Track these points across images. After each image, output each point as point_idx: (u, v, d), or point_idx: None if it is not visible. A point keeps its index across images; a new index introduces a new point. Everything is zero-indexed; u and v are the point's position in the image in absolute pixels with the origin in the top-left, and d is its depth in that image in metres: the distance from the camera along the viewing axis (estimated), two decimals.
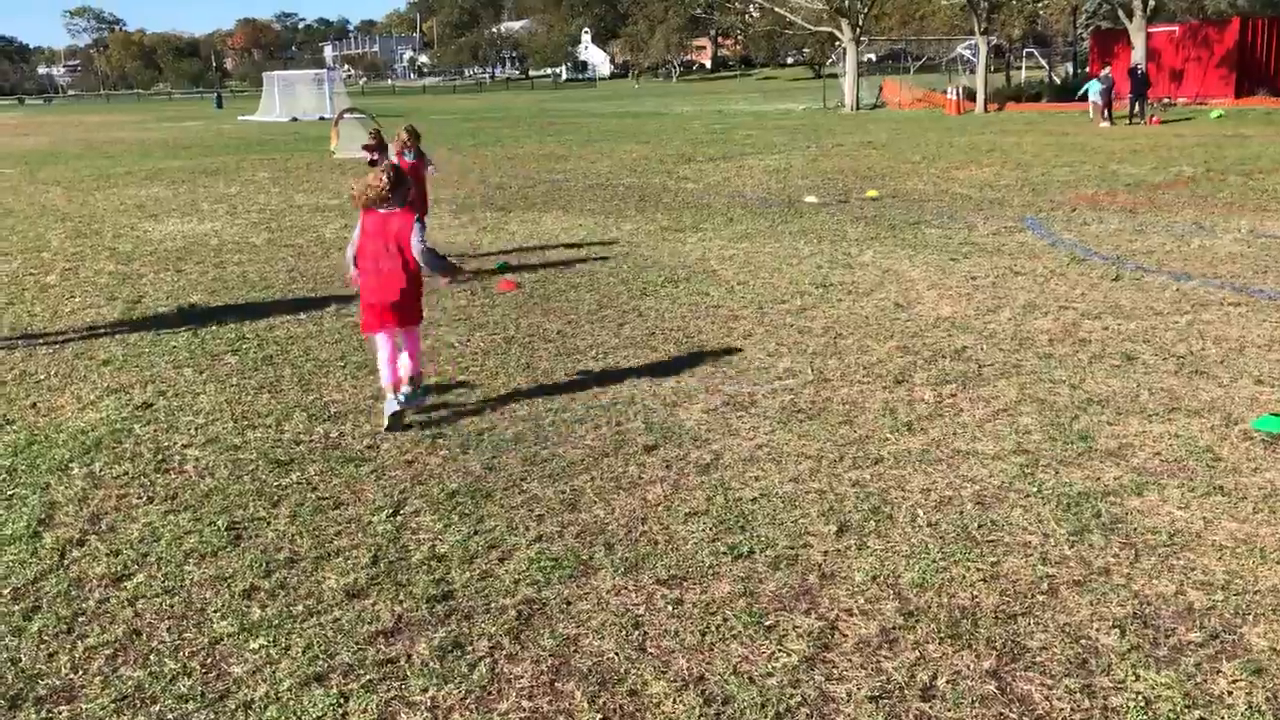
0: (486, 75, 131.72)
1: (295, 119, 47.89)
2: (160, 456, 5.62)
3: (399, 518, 4.74)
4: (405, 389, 6.00)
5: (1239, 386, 6.22)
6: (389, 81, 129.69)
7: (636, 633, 3.72)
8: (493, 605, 3.94)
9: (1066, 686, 3.33)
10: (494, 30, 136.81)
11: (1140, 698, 3.26)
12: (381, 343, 5.92)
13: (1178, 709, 3.20)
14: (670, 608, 3.88)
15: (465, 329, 8.21)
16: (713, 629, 3.73)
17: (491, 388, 6.66)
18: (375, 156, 10.66)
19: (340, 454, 5.57)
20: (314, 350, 7.69)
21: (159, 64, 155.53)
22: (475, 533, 4.57)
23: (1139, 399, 6.05)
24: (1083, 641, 3.59)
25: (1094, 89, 31.37)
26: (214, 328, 8.46)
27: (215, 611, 3.95)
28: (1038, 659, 3.49)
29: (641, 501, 4.86)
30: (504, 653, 3.63)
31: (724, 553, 4.31)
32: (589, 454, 5.47)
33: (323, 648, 3.68)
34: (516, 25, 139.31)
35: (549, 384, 6.71)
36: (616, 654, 3.59)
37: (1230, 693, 3.28)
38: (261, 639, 3.74)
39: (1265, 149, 21.19)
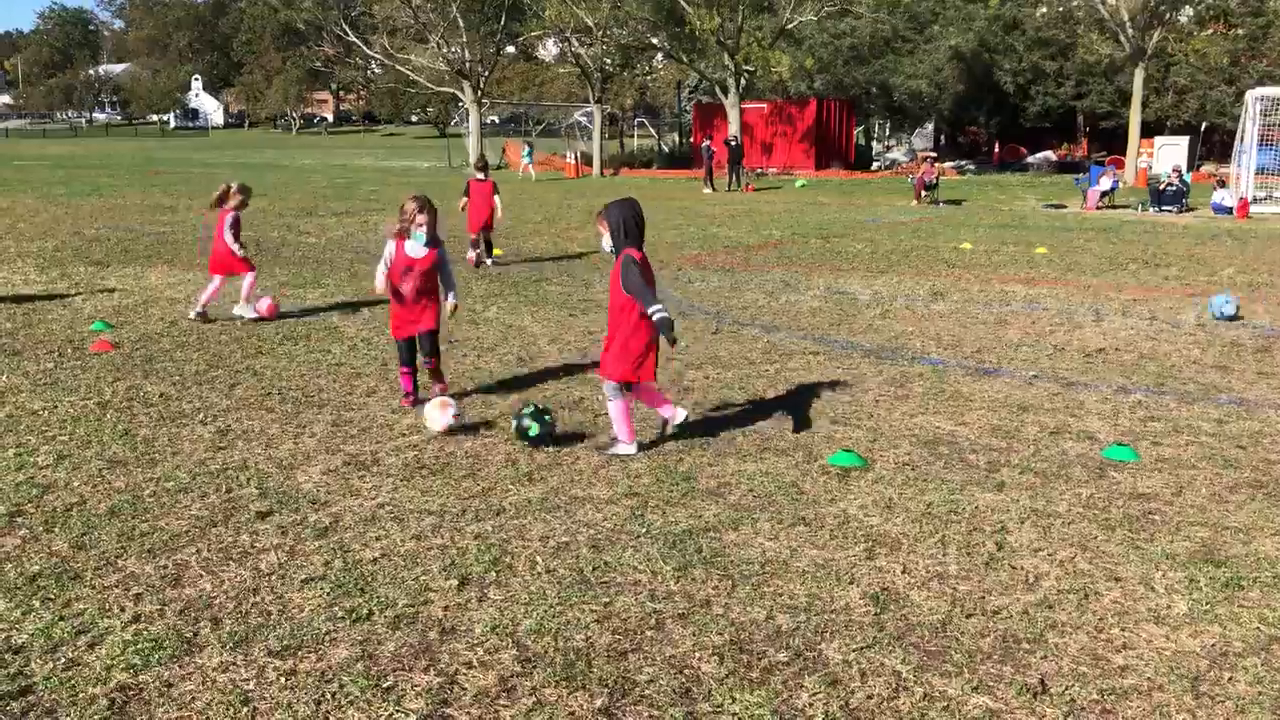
0: (83, 120, 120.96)
1: None
2: None
3: None
4: None
5: (818, 427, 6.94)
6: None
7: (246, 709, 3.53)
8: (80, 696, 3.59)
9: (671, 715, 3.54)
10: (92, 72, 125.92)
11: (736, 718, 3.53)
12: None
13: None
14: (283, 679, 3.72)
15: (52, 394, 7.46)
16: (328, 696, 3.61)
17: (82, 458, 6.09)
18: None
19: None
20: None
21: None
22: (60, 619, 4.14)
23: (735, 441, 6.59)
24: (686, 671, 3.83)
25: (526, 155, 39.38)
26: None
27: None
28: (646, 692, 3.68)
29: (253, 571, 4.63)
30: None
31: (341, 617, 4.20)
32: (195, 525, 5.14)
33: None
34: (118, 68, 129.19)
35: (150, 452, 6.24)
36: None
37: (811, 704, 3.63)
38: None
39: (839, 215, 23.90)
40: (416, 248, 7.05)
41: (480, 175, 14.79)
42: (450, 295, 7.23)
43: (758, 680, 3.78)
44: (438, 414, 6.62)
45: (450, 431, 6.54)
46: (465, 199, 14.68)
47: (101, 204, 24.01)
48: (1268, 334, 10.28)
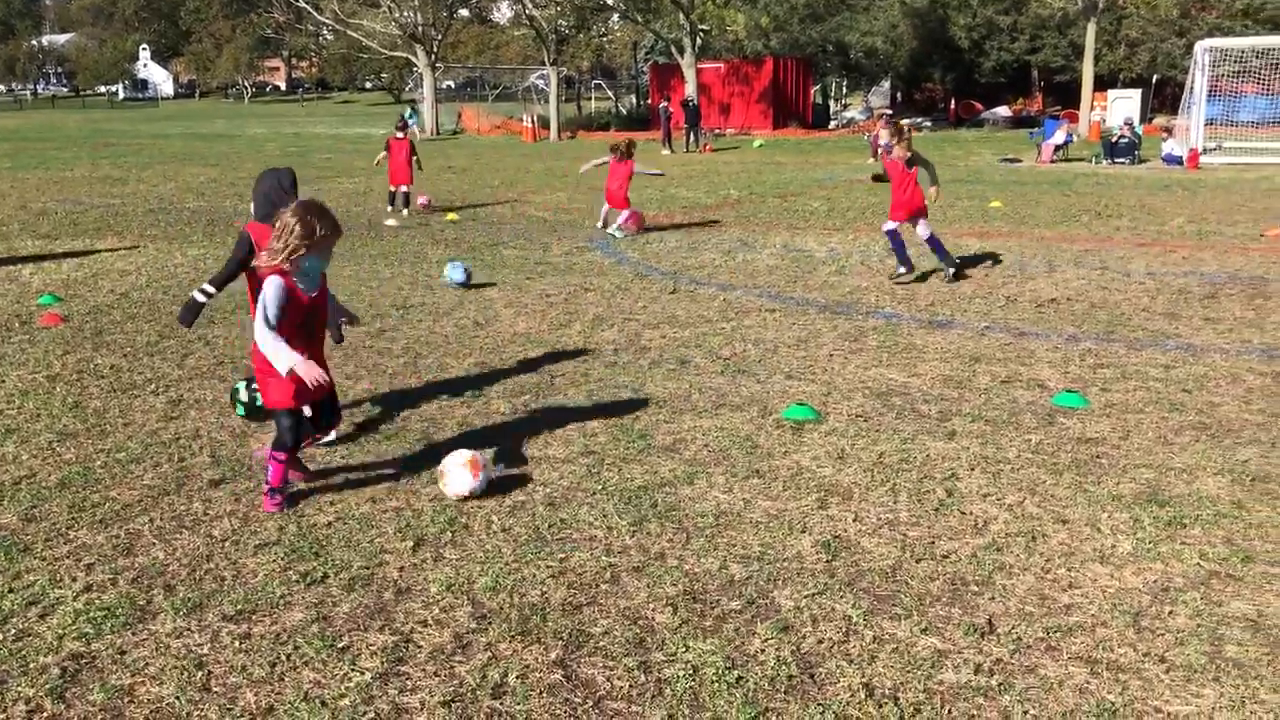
0: (27, 92, 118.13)
1: None
2: None
3: None
4: None
5: (773, 382, 6.98)
6: None
7: (200, 673, 3.53)
8: (31, 666, 3.57)
9: (626, 665, 3.58)
10: (35, 43, 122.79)
11: (689, 666, 3.58)
12: None
13: (720, 671, 3.54)
14: (237, 643, 3.72)
15: None
16: (283, 658, 3.62)
17: (31, 431, 6.02)
18: None
19: None
20: None
21: None
22: (9, 590, 4.11)
23: (691, 398, 6.62)
24: (640, 622, 3.87)
25: (411, 117, 39.19)
26: None
27: None
28: (600, 644, 3.72)
29: (207, 538, 4.61)
30: (45, 715, 3.30)
31: (296, 581, 4.20)
32: (147, 494, 5.10)
33: None
34: (62, 39, 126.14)
35: (101, 423, 6.17)
36: (178, 697, 3.39)
37: (763, 650, 3.68)
38: None
39: (796, 175, 23.92)
40: (310, 283, 4.74)
41: (399, 134, 16.52)
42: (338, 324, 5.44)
43: (711, 629, 3.82)
44: (466, 475, 4.96)
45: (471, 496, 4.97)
46: (384, 154, 16.50)
47: (48, 177, 23.55)
48: (1214, 281, 10.44)
